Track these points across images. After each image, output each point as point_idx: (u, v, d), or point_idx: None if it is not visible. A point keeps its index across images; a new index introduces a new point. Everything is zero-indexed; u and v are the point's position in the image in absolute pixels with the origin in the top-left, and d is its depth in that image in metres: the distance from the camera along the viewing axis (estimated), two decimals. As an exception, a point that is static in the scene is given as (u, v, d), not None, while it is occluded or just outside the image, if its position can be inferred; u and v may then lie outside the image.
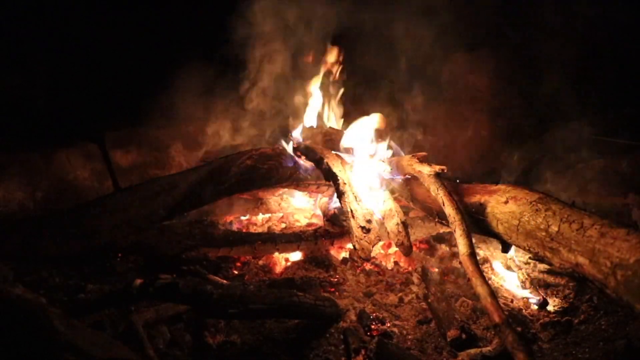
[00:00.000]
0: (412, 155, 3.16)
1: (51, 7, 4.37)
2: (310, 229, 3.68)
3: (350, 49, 4.59)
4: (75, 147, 4.19)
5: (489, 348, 2.44)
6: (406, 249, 2.88)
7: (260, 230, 3.93)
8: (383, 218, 3.02)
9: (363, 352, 2.47)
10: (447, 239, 3.77)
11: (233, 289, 2.49)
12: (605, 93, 5.02)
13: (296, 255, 3.55)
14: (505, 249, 2.68)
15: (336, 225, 3.60)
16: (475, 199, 2.72)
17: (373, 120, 3.67)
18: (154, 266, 3.10)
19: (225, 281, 3.09)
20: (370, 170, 3.45)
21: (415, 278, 3.24)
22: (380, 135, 3.65)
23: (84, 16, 4.57)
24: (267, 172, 3.49)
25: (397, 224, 2.91)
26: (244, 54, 4.48)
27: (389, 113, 4.07)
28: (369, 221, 2.89)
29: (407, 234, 2.90)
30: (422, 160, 3.07)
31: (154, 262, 3.15)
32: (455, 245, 2.50)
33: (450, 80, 5.36)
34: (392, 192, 3.36)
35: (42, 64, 4.28)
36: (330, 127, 4.08)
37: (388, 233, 3.04)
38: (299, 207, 4.20)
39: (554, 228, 2.13)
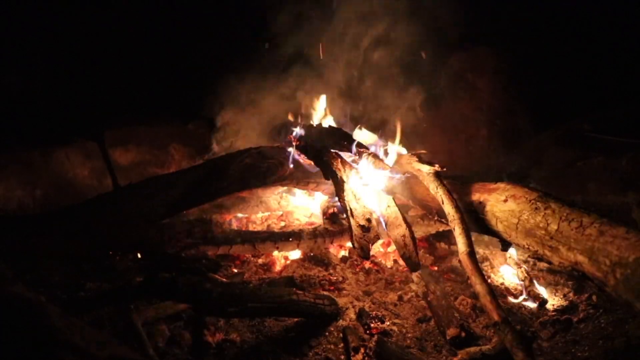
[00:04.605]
0: (412, 154, 3.16)
1: (50, 7, 4.37)
2: (309, 227, 3.68)
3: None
4: (75, 146, 4.19)
5: (488, 346, 2.44)
6: (413, 265, 2.67)
7: (259, 228, 3.93)
8: (386, 224, 2.93)
9: (362, 350, 2.47)
10: (446, 237, 3.77)
11: (232, 288, 2.50)
12: (605, 91, 5.02)
13: (295, 254, 3.56)
14: (505, 247, 2.68)
15: (335, 223, 3.60)
16: (475, 197, 2.71)
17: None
18: (154, 264, 3.10)
19: (224, 279, 3.09)
20: (370, 169, 3.45)
21: (414, 276, 3.24)
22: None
23: (83, 15, 4.57)
24: (266, 170, 3.49)
25: (404, 235, 2.75)
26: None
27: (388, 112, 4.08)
28: (368, 220, 2.89)
29: (415, 249, 2.72)
30: (421, 159, 3.06)
31: (153, 260, 3.15)
32: (455, 244, 2.50)
33: (450, 79, 5.36)
34: (392, 191, 3.35)
35: (42, 62, 4.28)
36: (330, 126, 4.08)
37: (387, 234, 3.02)
38: (299, 206, 4.20)
39: (553, 226, 2.13)
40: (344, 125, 4.20)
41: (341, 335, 2.64)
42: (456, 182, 2.97)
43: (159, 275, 2.15)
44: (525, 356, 1.88)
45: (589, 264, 1.91)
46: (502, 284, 3.31)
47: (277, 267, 3.44)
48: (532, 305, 3.05)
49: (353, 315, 2.82)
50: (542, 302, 3.03)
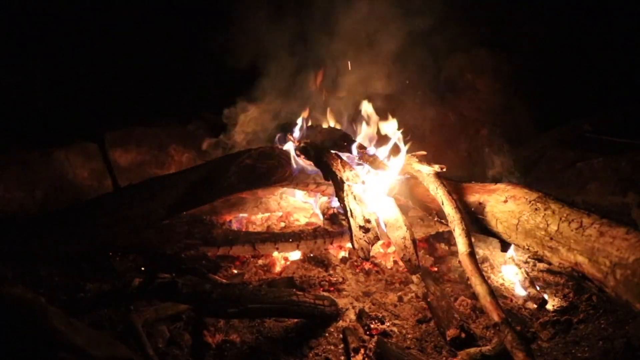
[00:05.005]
0: (412, 155, 3.16)
1: (50, 7, 4.37)
2: (309, 228, 3.68)
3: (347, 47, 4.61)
4: (75, 146, 4.18)
5: (488, 347, 2.44)
6: (413, 268, 2.71)
7: (259, 229, 3.93)
8: (386, 225, 2.93)
9: (362, 351, 2.47)
10: (446, 238, 3.77)
11: (232, 288, 2.50)
12: (605, 91, 5.02)
13: (295, 255, 3.56)
14: (505, 248, 2.68)
15: (335, 224, 3.60)
16: (475, 198, 2.71)
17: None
18: (154, 265, 3.10)
19: (224, 280, 3.09)
20: (370, 170, 3.45)
21: (414, 277, 3.24)
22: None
23: (83, 14, 4.57)
24: (266, 171, 3.49)
25: (404, 238, 2.75)
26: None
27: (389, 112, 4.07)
28: (368, 221, 2.88)
29: (416, 252, 2.73)
30: (421, 160, 3.06)
31: (153, 261, 3.15)
32: (455, 244, 2.50)
33: (450, 80, 5.36)
34: (392, 192, 3.35)
35: (42, 63, 4.28)
36: (329, 126, 4.08)
37: (387, 235, 3.02)
38: (299, 207, 4.20)
39: (553, 227, 2.13)
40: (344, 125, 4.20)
41: (341, 336, 2.64)
42: (456, 183, 2.97)
43: (158, 276, 2.14)
44: (525, 357, 1.88)
45: (589, 265, 1.91)
46: (502, 284, 3.31)
47: (277, 268, 3.44)
48: (532, 305, 3.05)
49: (353, 316, 2.81)
50: (542, 302, 3.03)
